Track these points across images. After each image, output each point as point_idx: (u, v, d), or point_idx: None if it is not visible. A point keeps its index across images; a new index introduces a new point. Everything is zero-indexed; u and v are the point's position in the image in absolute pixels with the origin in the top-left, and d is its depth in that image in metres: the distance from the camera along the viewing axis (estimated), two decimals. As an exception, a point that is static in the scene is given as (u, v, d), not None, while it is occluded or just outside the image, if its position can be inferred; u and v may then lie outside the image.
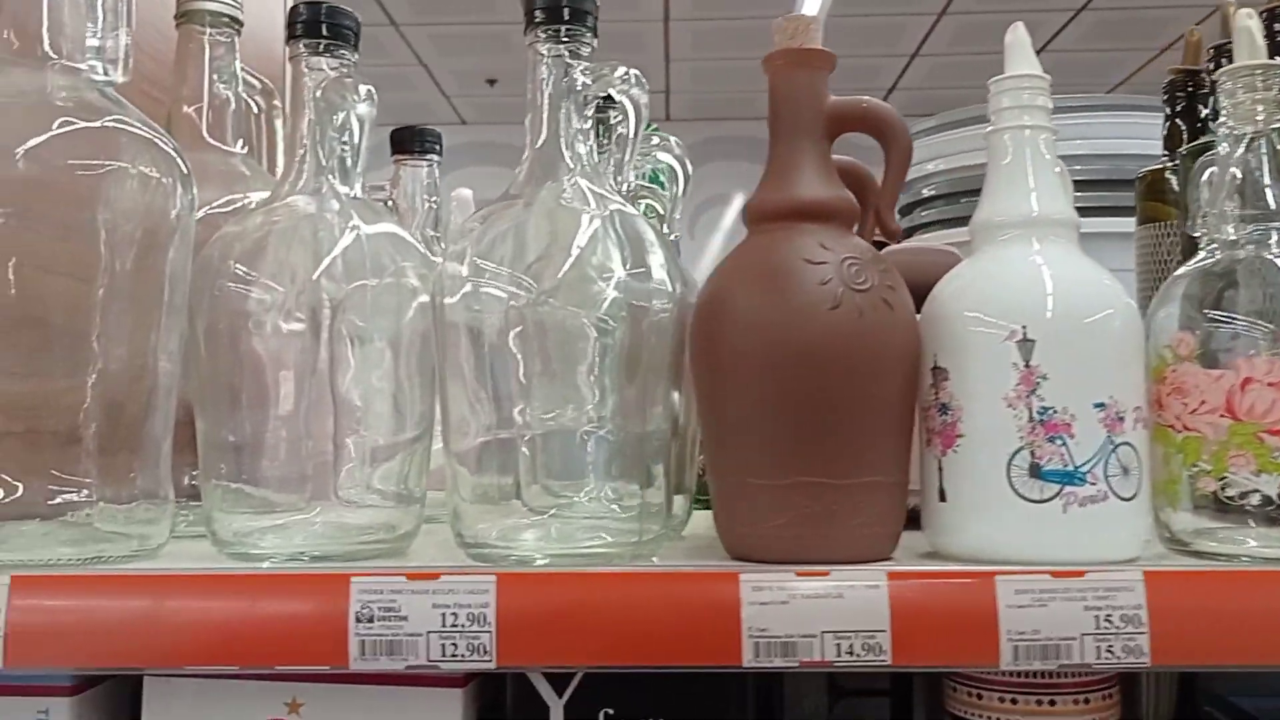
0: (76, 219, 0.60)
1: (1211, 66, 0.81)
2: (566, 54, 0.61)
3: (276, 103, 0.88)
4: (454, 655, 0.50)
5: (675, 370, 0.60)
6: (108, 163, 0.60)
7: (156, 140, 0.62)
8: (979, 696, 0.60)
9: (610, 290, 0.58)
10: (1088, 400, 0.55)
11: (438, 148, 0.88)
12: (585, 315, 0.58)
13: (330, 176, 0.63)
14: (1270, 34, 0.79)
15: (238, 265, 0.62)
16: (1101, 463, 0.54)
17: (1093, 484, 0.54)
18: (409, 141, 0.87)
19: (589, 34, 0.61)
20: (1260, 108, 0.60)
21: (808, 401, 0.55)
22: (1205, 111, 0.84)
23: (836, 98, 0.61)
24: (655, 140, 0.74)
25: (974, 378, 0.56)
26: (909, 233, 1.26)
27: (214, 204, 0.74)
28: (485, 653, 0.50)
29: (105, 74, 0.62)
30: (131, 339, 0.61)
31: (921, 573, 0.52)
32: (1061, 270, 0.57)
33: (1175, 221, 0.83)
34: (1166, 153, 0.87)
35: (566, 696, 0.58)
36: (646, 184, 0.78)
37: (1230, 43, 0.79)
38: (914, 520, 0.60)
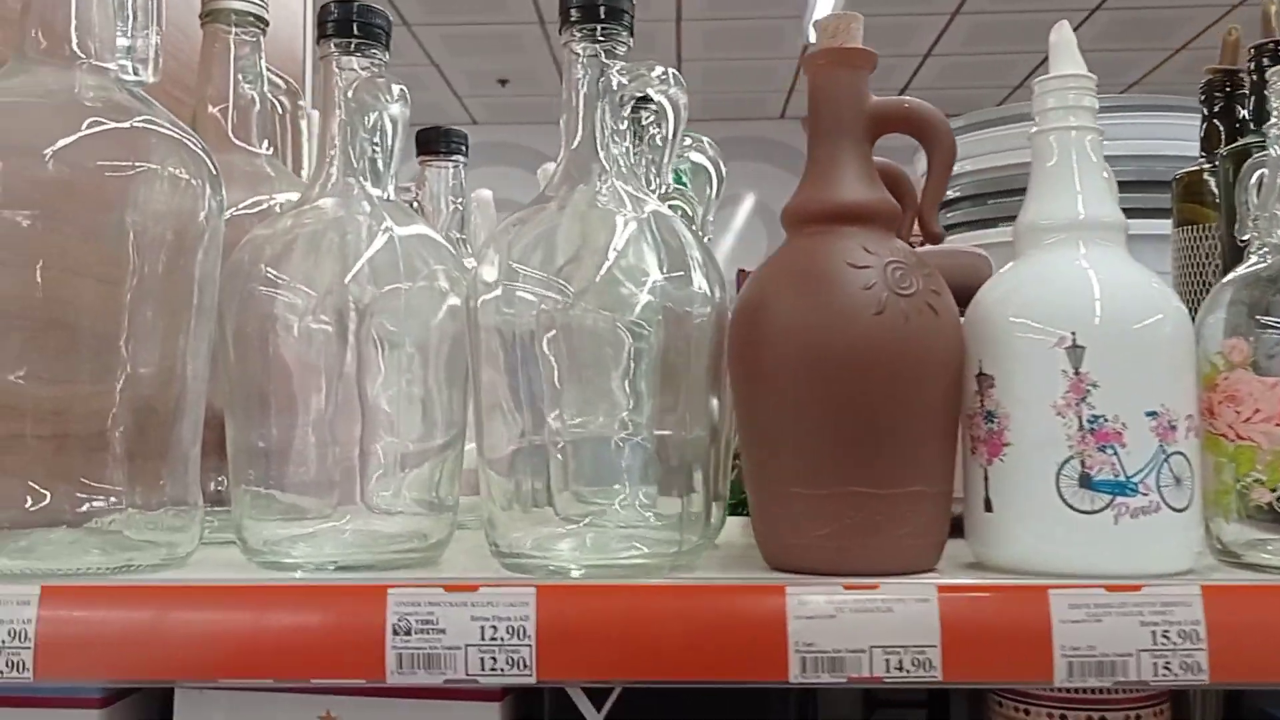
0: (105, 221, 0.59)
1: (1251, 66, 0.80)
2: (602, 54, 0.60)
3: (301, 103, 0.87)
4: (493, 669, 0.49)
5: (714, 376, 0.58)
6: (137, 164, 0.59)
7: (186, 141, 0.61)
8: (1026, 712, 0.59)
9: (647, 294, 0.57)
10: (1139, 408, 0.53)
11: (463, 148, 0.87)
12: (620, 320, 0.57)
13: (362, 178, 0.62)
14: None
15: (268, 269, 0.60)
16: (1154, 473, 0.53)
17: (1145, 495, 0.53)
18: (435, 142, 0.86)
19: (625, 33, 0.60)
20: (1313, 108, 0.59)
21: (852, 409, 0.54)
22: (1244, 112, 0.82)
23: (878, 98, 0.60)
24: (688, 141, 0.73)
25: (1021, 385, 0.55)
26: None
27: (240, 205, 0.73)
28: (525, 667, 0.49)
29: (135, 74, 0.61)
30: (160, 343, 0.60)
31: (973, 586, 0.51)
32: (1110, 274, 0.56)
33: (1214, 224, 0.81)
34: (1204, 154, 0.85)
35: (605, 711, 0.57)
36: (675, 185, 0.77)
37: (1271, 42, 0.77)
38: (954, 529, 0.59)
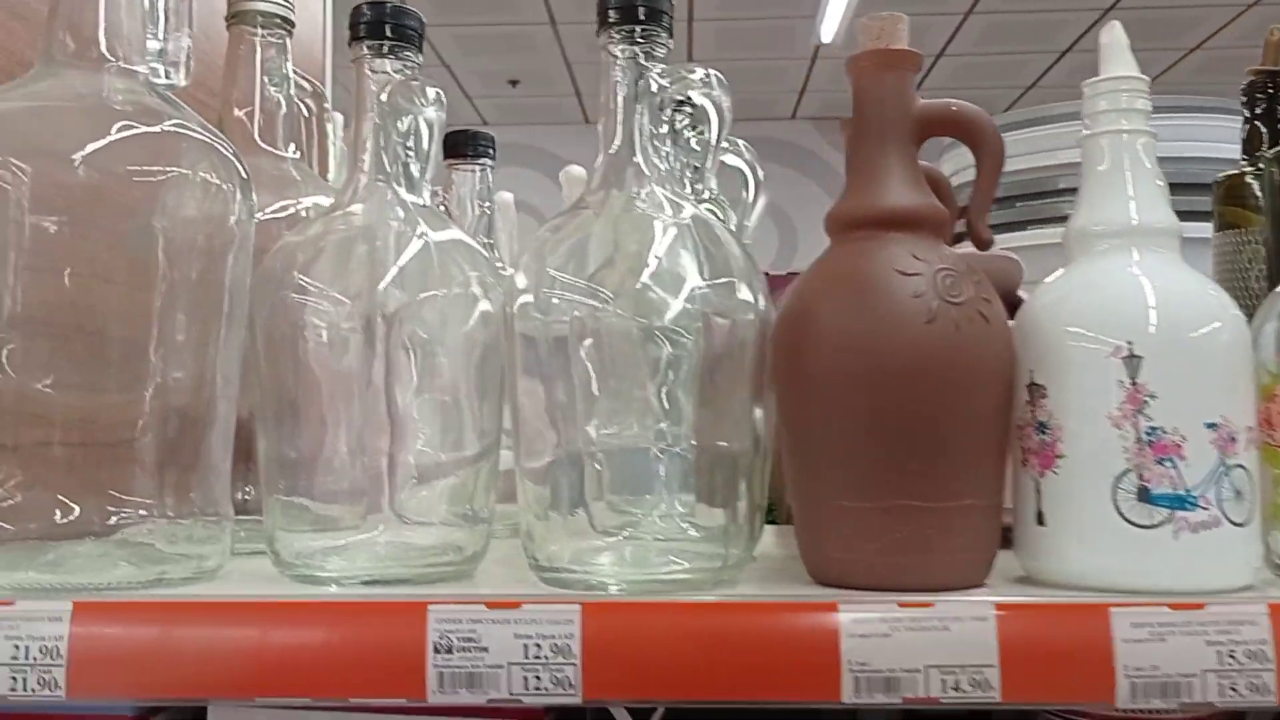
0: (134, 226, 0.58)
1: (1295, 67, 0.78)
2: (641, 55, 0.59)
3: (327, 106, 0.86)
4: (537, 688, 0.48)
5: (757, 385, 0.57)
6: (168, 168, 0.58)
7: (216, 145, 0.60)
8: (1078, 731, 0.57)
9: (688, 302, 0.56)
10: (1199, 420, 0.52)
11: (491, 151, 0.86)
12: (660, 327, 0.56)
13: (395, 183, 0.61)
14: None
15: (300, 275, 0.59)
16: (1213, 486, 0.52)
17: (1205, 508, 0.51)
18: (462, 145, 0.84)
19: (664, 34, 0.59)
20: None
21: (902, 421, 0.52)
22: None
23: (925, 100, 0.58)
24: (724, 144, 0.71)
25: (1076, 395, 0.53)
26: (958, 238, 1.23)
27: (267, 210, 0.72)
28: (570, 686, 0.48)
29: (166, 76, 0.59)
30: (190, 351, 0.59)
31: (1031, 604, 0.49)
32: (1166, 282, 0.54)
33: (1258, 228, 0.79)
34: (1245, 156, 0.84)
35: (649, 730, 0.56)
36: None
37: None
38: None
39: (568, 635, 0.48)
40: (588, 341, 0.56)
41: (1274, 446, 0.56)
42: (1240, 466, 0.52)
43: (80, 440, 0.57)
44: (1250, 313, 0.59)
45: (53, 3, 0.60)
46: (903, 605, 0.48)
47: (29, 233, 0.56)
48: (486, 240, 0.84)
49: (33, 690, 0.49)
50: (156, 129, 0.58)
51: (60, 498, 0.56)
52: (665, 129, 0.58)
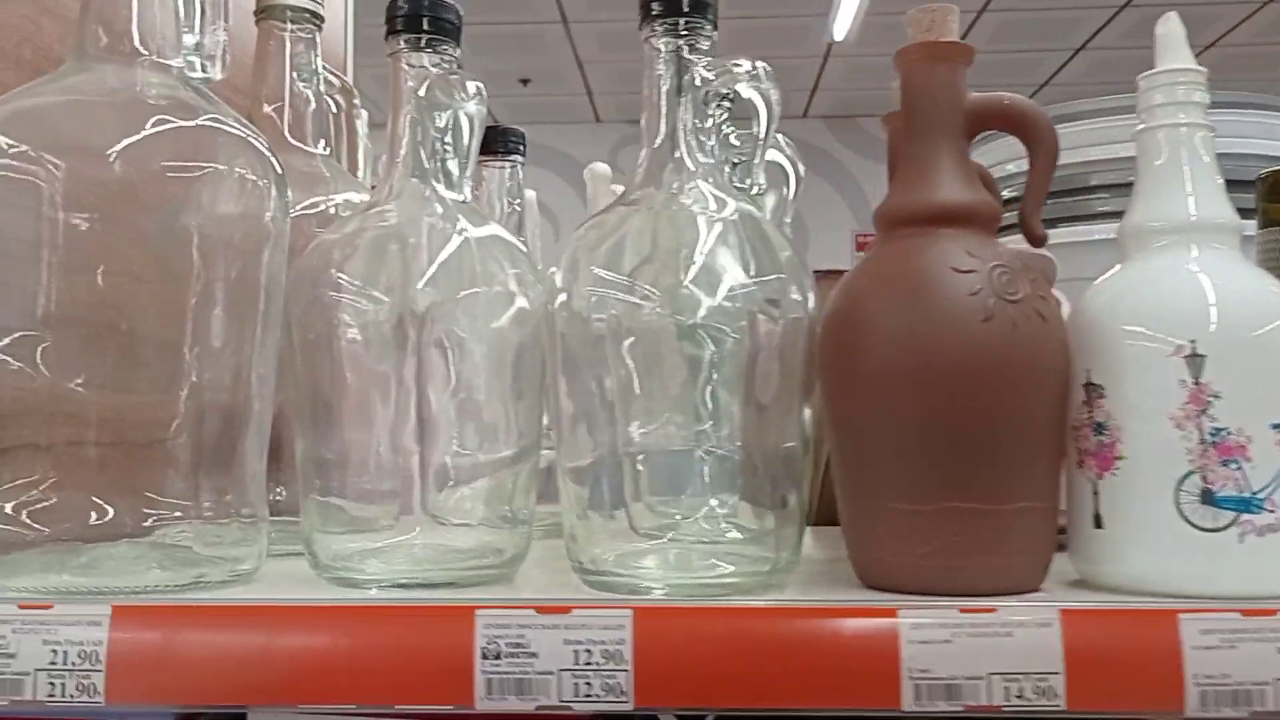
0: (169, 223, 0.56)
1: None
2: (685, 48, 0.58)
3: (356, 101, 0.84)
4: (588, 695, 0.47)
5: (805, 385, 0.56)
6: (203, 164, 0.57)
7: (252, 140, 0.59)
8: (1137, 739, 0.56)
9: (734, 300, 0.54)
10: (1264, 420, 0.50)
11: (521, 148, 0.85)
12: (705, 325, 0.54)
13: (434, 180, 0.60)
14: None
15: (338, 273, 0.58)
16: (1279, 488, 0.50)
17: (1271, 511, 0.50)
18: (492, 141, 0.83)
19: (709, 26, 0.58)
20: None
21: (958, 421, 0.51)
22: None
23: (976, 94, 0.57)
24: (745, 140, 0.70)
25: (1135, 396, 0.52)
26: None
27: (297, 207, 0.70)
28: (622, 693, 0.47)
29: (203, 70, 0.58)
30: (225, 350, 0.58)
31: (1097, 610, 0.48)
32: (1227, 279, 0.53)
33: (1303, 225, 0.78)
34: (1290, 152, 0.82)
35: (698, 738, 0.54)
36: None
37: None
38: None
39: (619, 641, 0.47)
40: (629, 340, 0.55)
41: (1337, 448, 0.54)
42: (1306, 468, 0.51)
43: (114, 440, 0.56)
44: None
45: (85, -3, 0.59)
46: (964, 610, 0.47)
47: (62, 229, 0.55)
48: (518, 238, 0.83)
49: (71, 696, 0.48)
50: (191, 124, 0.57)
51: (95, 499, 0.55)
52: (711, 123, 0.57)
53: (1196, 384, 0.51)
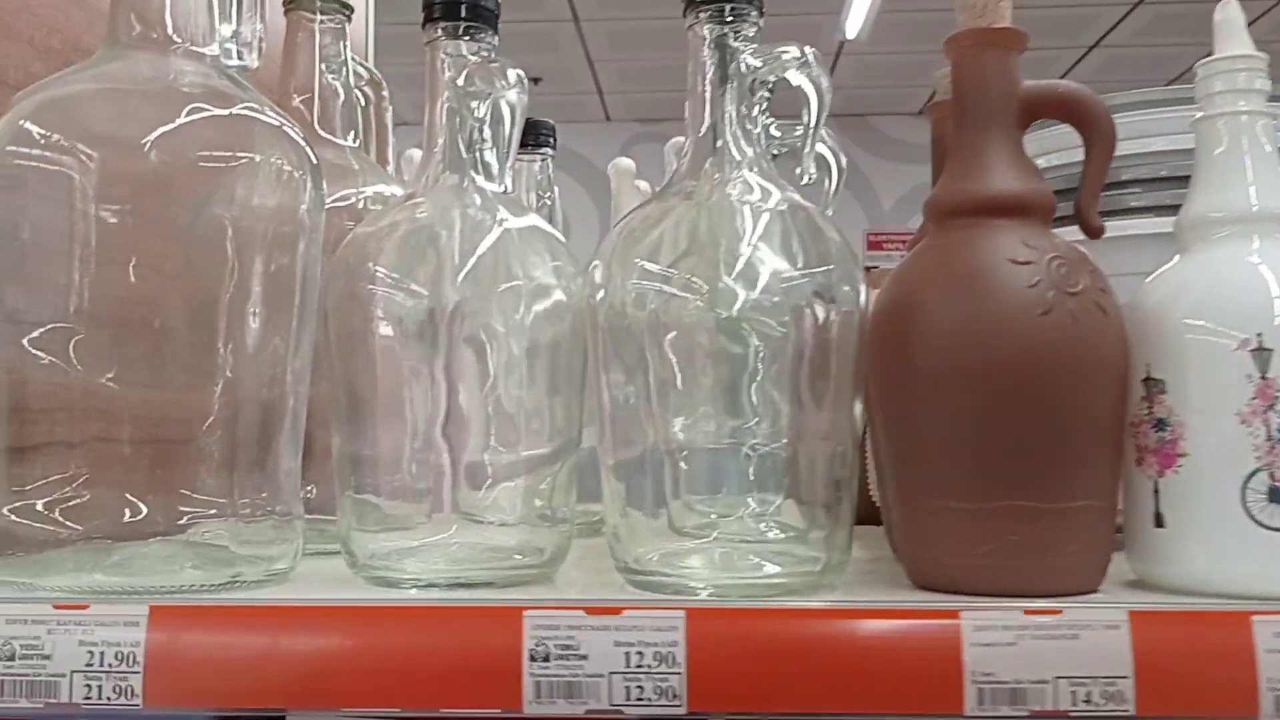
0: (203, 214, 0.55)
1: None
2: (730, 35, 0.56)
3: (385, 94, 0.83)
4: (640, 699, 0.45)
5: (858, 380, 0.54)
6: (239, 154, 0.56)
7: (288, 130, 0.58)
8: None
9: (783, 293, 0.53)
10: (1334, 416, 0.49)
11: (552, 140, 0.83)
12: (752, 319, 0.53)
13: (472, 171, 0.59)
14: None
15: (376, 266, 0.57)
16: (1350, 486, 0.49)
17: (1341, 510, 0.48)
18: (523, 134, 0.82)
19: (755, 13, 0.56)
20: None
21: (1017, 417, 0.50)
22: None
23: (1030, 82, 0.55)
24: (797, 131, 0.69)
25: (1199, 391, 0.51)
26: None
27: (328, 200, 0.69)
28: (675, 697, 0.45)
29: (239, 58, 0.57)
30: (260, 345, 0.57)
31: (1167, 611, 0.47)
32: (1291, 271, 0.52)
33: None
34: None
35: (749, 742, 0.53)
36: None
37: None
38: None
39: (671, 643, 0.46)
40: (673, 334, 0.54)
41: (1405, 445, 0.53)
42: (1376, 466, 0.49)
43: (148, 437, 0.55)
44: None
45: (117, -15, 0.58)
46: (1029, 611, 0.45)
47: (94, 221, 0.54)
48: (550, 232, 0.82)
49: (108, 698, 0.47)
50: (227, 112, 0.56)
51: (128, 496, 0.54)
52: (758, 111, 0.55)
53: (1263, 378, 0.49)
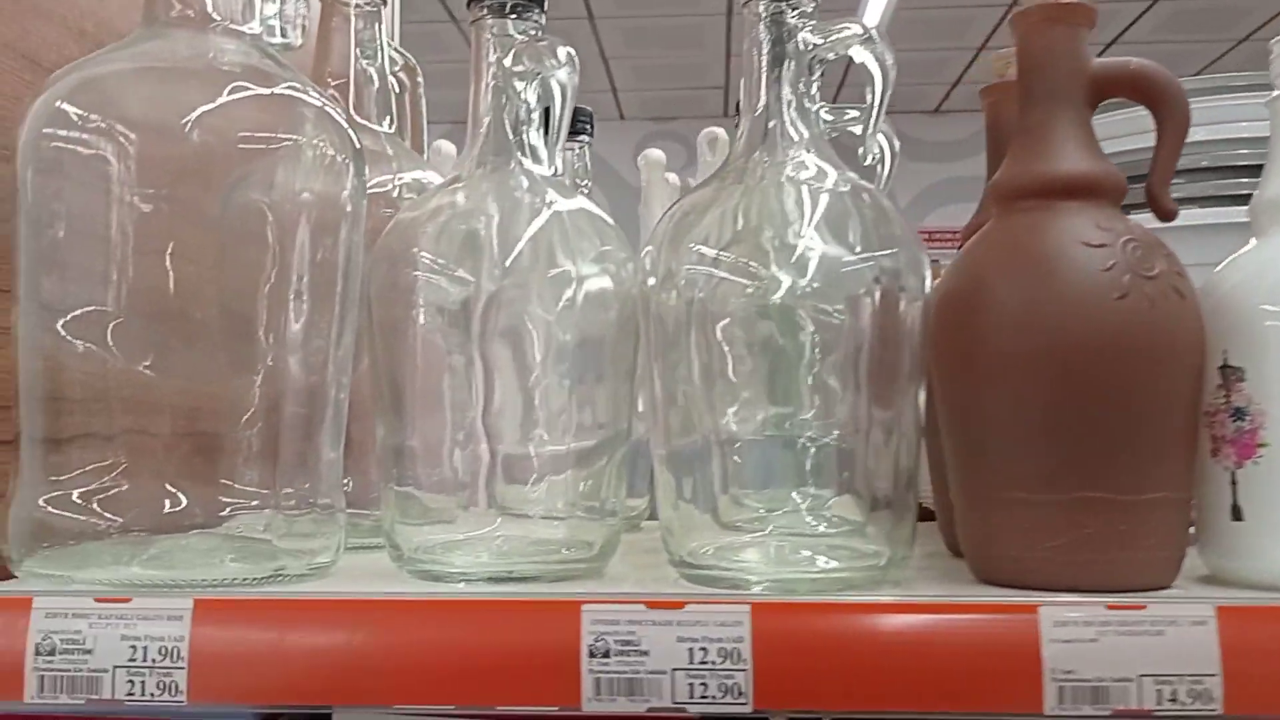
0: (244, 197, 0.54)
1: None
2: (787, 11, 0.54)
3: (420, 79, 0.82)
4: (704, 696, 0.43)
5: (922, 368, 0.52)
6: (281, 135, 0.54)
7: (330, 112, 0.56)
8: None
9: (843, 278, 0.51)
10: None
11: (589, 127, 0.82)
12: (812, 305, 0.51)
13: (519, 153, 0.57)
14: None
15: (421, 252, 0.55)
16: None
17: None
18: (560, 121, 0.80)
19: (813, -11, 0.54)
20: None
21: (1091, 406, 0.48)
22: None
23: (1100, 59, 0.53)
24: (855, 113, 0.67)
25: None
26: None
27: (365, 186, 0.68)
28: (740, 694, 0.43)
29: (282, 35, 0.55)
30: (301, 334, 0.55)
31: (1256, 607, 0.45)
32: (1374, 254, 0.50)
33: None
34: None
35: (813, 742, 0.51)
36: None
37: None
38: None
39: (737, 639, 0.44)
40: (726, 321, 0.52)
41: None
42: None
43: (187, 427, 0.54)
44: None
45: (156, -37, 0.56)
46: (1112, 606, 0.44)
47: (133, 204, 0.52)
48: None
49: (151, 695, 0.45)
50: (269, 91, 0.54)
51: (168, 487, 0.52)
52: (816, 89, 0.54)
53: (1349, 366, 0.47)
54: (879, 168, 0.67)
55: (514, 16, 0.57)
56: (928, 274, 0.52)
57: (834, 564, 0.51)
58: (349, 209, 0.57)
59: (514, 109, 0.57)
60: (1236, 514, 0.50)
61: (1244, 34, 4.58)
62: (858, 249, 0.52)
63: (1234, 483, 0.50)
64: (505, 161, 0.57)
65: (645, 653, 0.44)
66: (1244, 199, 0.85)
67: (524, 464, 0.56)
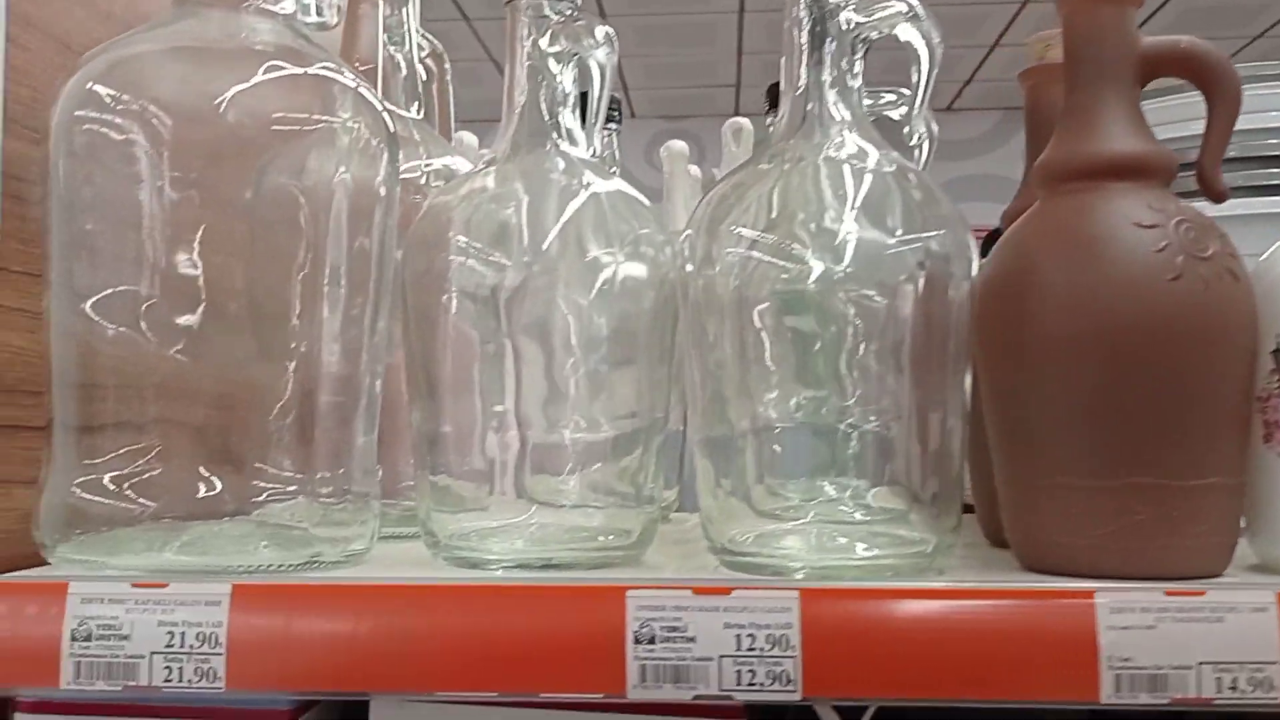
0: (279, 178, 0.53)
1: None
2: (829, -10, 0.53)
3: (447, 66, 0.81)
4: (752, 684, 0.43)
5: (968, 352, 0.51)
6: (316, 117, 0.53)
7: (365, 94, 0.55)
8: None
9: (889, 261, 0.50)
10: None
11: (617, 115, 0.81)
12: (857, 290, 0.50)
13: (555, 135, 0.56)
14: None
15: (457, 237, 0.54)
16: None
17: None
18: (588, 108, 0.79)
19: (854, -35, 0.54)
20: None
21: (1143, 389, 0.47)
22: None
23: (1149, 37, 0.52)
24: (891, 96, 0.66)
25: (1336, 362, 0.48)
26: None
27: (394, 172, 0.67)
28: (789, 682, 0.43)
29: (318, 13, 0.55)
30: (335, 320, 0.54)
31: (1318, 594, 0.44)
32: None
33: None
34: None
35: (860, 731, 0.50)
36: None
37: None
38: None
39: (785, 625, 0.43)
40: (767, 305, 0.51)
41: None
42: None
43: (221, 414, 0.53)
44: None
45: (186, -58, 0.56)
46: (1170, 594, 0.43)
47: (166, 187, 0.51)
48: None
49: (189, 681, 0.45)
50: (303, 71, 0.54)
51: (201, 471, 0.52)
52: (858, 68, 0.53)
53: None
54: (917, 151, 0.66)
55: (550, -4, 0.57)
56: (974, 256, 0.51)
57: (877, 551, 0.50)
58: (383, 193, 0.56)
59: (550, 90, 0.56)
60: (1290, 501, 0.49)
61: (1259, 30, 4.56)
62: (902, 231, 0.51)
63: (1288, 469, 0.49)
64: (541, 143, 0.56)
65: (692, 639, 0.43)
66: (1272, 189, 0.84)
67: (560, 451, 0.55)
